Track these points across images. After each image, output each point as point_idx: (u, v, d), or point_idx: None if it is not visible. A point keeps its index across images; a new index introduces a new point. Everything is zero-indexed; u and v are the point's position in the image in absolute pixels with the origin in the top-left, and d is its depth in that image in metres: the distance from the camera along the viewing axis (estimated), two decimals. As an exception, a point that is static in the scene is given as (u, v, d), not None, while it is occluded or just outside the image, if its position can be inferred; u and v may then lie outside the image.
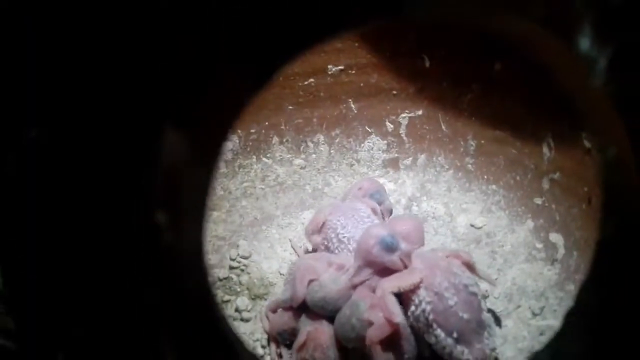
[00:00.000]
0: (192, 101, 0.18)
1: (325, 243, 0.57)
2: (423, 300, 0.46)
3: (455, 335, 0.45)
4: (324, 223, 0.57)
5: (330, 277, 0.50)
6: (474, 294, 0.46)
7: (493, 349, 0.48)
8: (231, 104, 0.19)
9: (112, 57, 0.19)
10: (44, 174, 0.19)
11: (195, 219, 0.20)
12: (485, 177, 0.65)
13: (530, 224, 0.60)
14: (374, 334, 0.46)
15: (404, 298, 0.48)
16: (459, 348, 0.45)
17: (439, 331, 0.45)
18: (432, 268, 0.47)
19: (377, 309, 0.47)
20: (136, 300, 0.19)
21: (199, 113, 0.18)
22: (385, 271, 0.50)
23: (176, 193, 0.18)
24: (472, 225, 0.64)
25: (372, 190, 0.62)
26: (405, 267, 0.49)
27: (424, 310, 0.46)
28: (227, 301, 0.60)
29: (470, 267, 0.50)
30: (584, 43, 0.18)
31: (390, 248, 0.48)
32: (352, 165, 0.71)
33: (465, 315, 0.45)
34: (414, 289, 0.47)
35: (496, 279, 0.58)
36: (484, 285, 0.56)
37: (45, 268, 0.20)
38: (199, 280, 0.20)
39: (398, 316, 0.45)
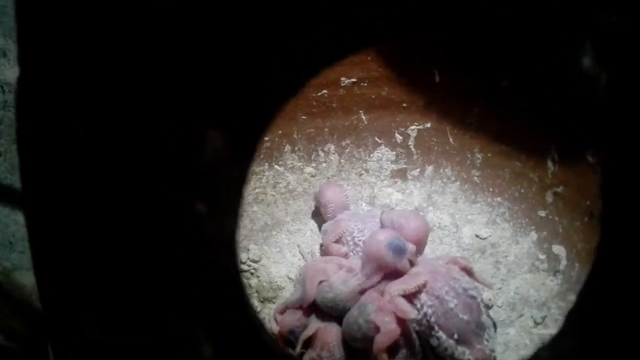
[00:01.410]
0: (232, 105, 0.20)
1: (343, 247, 0.59)
2: (425, 304, 0.48)
3: (456, 336, 0.47)
4: (343, 234, 0.60)
5: (340, 279, 0.52)
6: (473, 297, 0.49)
7: (493, 350, 0.50)
8: (265, 110, 0.21)
9: (167, 68, 0.21)
10: (98, 169, 0.21)
11: (232, 210, 0.22)
12: (491, 189, 0.66)
13: (533, 235, 0.62)
14: (381, 341, 0.48)
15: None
16: (460, 349, 0.47)
17: (440, 333, 0.47)
18: (433, 273, 0.49)
19: (384, 313, 0.49)
20: (176, 285, 0.21)
21: (238, 116, 0.20)
22: (392, 274, 0.52)
23: (215, 186, 0.20)
24: (477, 236, 0.66)
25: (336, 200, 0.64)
26: (412, 265, 0.51)
27: (425, 314, 0.48)
28: (237, 303, 0.62)
29: (468, 272, 0.52)
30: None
31: (400, 251, 0.50)
32: (361, 174, 0.73)
33: (465, 317, 0.47)
34: (418, 292, 0.49)
35: (499, 288, 0.60)
36: (487, 295, 0.58)
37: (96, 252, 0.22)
38: (231, 266, 0.22)
39: (412, 313, 0.47)
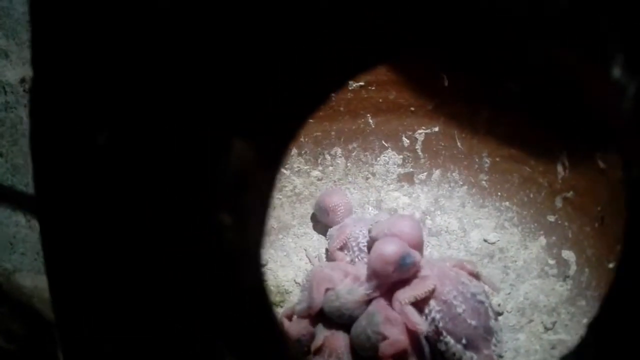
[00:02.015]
0: (257, 116, 0.20)
1: (347, 252, 0.59)
2: (433, 309, 0.48)
3: (464, 341, 0.47)
4: (347, 240, 0.59)
5: (346, 288, 0.52)
6: (481, 302, 0.49)
7: (501, 355, 0.50)
8: (290, 121, 0.21)
9: (192, 78, 0.20)
10: (121, 177, 0.21)
11: (258, 220, 0.22)
12: (499, 193, 0.66)
13: (542, 240, 0.62)
14: (386, 349, 0.48)
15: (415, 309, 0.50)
16: (468, 354, 0.47)
17: (448, 338, 0.48)
18: (442, 278, 0.49)
19: (392, 323, 0.49)
20: (200, 294, 0.21)
21: (263, 127, 0.20)
22: (399, 282, 0.51)
23: (241, 196, 0.20)
24: (485, 241, 0.65)
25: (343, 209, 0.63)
26: (418, 272, 0.50)
27: (434, 319, 0.48)
28: (245, 307, 0.62)
29: (475, 276, 0.52)
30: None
31: (407, 266, 0.50)
32: (367, 178, 0.73)
33: (473, 322, 0.47)
34: (428, 297, 0.48)
35: (509, 293, 0.59)
36: (497, 300, 0.57)
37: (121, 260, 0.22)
38: (257, 276, 0.22)
39: (423, 325, 0.47)
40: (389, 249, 0.50)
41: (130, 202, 0.23)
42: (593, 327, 0.28)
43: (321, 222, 0.68)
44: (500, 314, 0.57)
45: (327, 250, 0.65)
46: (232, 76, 0.20)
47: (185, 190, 0.20)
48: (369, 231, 0.57)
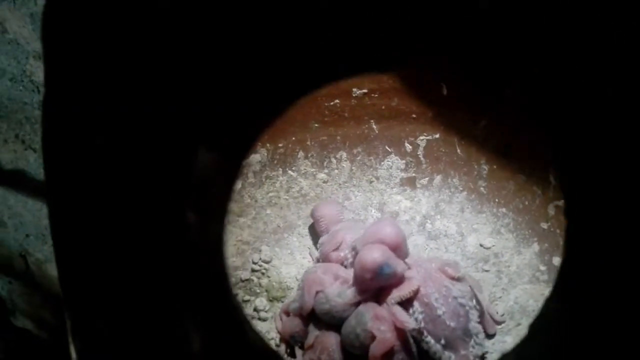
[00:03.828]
0: (219, 125, 0.23)
1: (342, 258, 0.61)
2: (416, 311, 0.51)
3: (442, 341, 0.50)
4: (341, 242, 0.62)
5: (335, 291, 0.54)
6: (462, 305, 0.51)
7: (480, 356, 0.52)
8: (249, 129, 0.24)
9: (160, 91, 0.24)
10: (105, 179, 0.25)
11: (218, 220, 0.25)
12: (497, 200, 0.68)
13: (535, 247, 0.63)
14: (376, 349, 0.51)
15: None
16: (447, 354, 0.50)
17: (429, 338, 0.50)
18: (426, 280, 0.51)
19: (381, 321, 0.51)
20: (165, 284, 0.24)
21: (226, 135, 0.23)
22: (385, 287, 0.53)
23: (204, 198, 0.23)
24: (481, 245, 0.67)
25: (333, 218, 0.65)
26: (402, 279, 0.52)
27: (417, 320, 0.50)
28: (247, 301, 0.65)
29: (457, 279, 0.54)
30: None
31: (389, 275, 0.52)
32: (371, 181, 0.76)
33: (452, 324, 0.50)
34: (413, 297, 0.51)
35: (500, 297, 0.61)
36: (497, 308, 0.59)
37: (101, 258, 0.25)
38: (219, 268, 0.25)
39: (411, 323, 0.50)
40: (369, 258, 0.52)
41: (119, 202, 0.27)
42: (533, 327, 0.30)
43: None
44: (499, 323, 0.58)
45: (317, 260, 0.66)
46: (200, 88, 0.24)
47: (160, 192, 0.24)
48: (353, 248, 0.58)
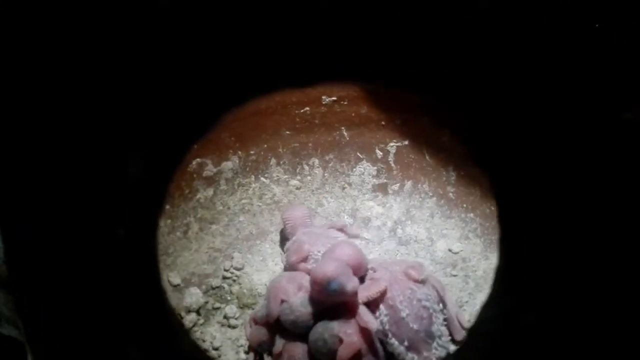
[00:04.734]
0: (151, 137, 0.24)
1: (309, 269, 0.61)
2: (382, 313, 0.51)
3: (406, 343, 0.51)
4: (307, 255, 0.62)
5: (299, 301, 0.54)
6: (426, 308, 0.52)
7: (442, 358, 0.53)
8: (181, 141, 0.25)
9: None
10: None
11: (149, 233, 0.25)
12: (464, 205, 0.69)
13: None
14: (343, 353, 0.51)
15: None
16: (410, 355, 0.51)
17: (393, 340, 0.51)
18: (391, 282, 0.52)
19: (347, 325, 0.52)
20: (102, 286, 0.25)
21: (157, 148, 0.24)
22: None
23: (134, 212, 0.24)
24: (450, 250, 0.68)
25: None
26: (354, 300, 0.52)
27: (382, 322, 0.51)
28: (217, 308, 0.66)
29: (420, 282, 0.54)
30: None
31: (335, 293, 0.51)
32: (344, 188, 0.76)
33: (415, 326, 0.51)
34: (379, 298, 0.52)
35: (467, 301, 0.62)
36: (467, 316, 0.59)
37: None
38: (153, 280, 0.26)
39: (374, 324, 0.50)
40: (320, 271, 0.52)
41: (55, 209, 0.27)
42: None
43: None
44: (465, 328, 0.58)
45: (285, 267, 0.66)
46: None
47: (90, 205, 0.24)
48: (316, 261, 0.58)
